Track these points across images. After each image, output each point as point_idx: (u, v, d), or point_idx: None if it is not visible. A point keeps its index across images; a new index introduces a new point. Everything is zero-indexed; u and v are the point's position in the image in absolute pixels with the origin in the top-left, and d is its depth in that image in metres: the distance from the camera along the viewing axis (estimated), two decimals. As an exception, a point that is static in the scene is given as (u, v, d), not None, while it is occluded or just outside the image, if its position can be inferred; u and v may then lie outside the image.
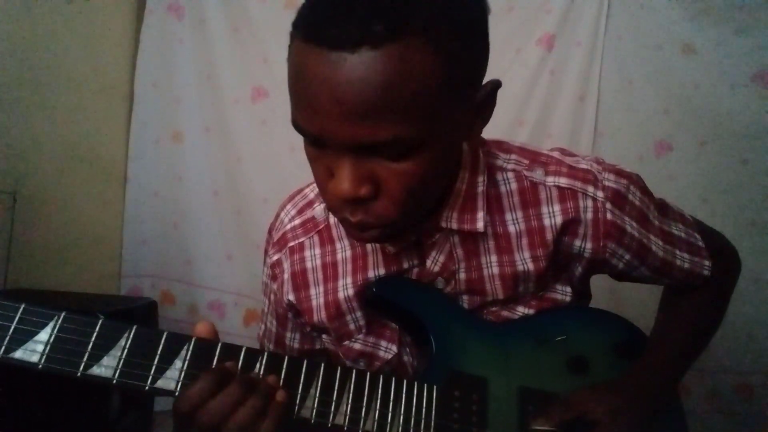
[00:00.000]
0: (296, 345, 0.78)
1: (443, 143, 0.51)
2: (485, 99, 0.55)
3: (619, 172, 0.66)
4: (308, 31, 0.47)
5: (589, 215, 0.63)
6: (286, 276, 0.73)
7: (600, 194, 0.63)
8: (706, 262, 0.71)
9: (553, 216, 0.64)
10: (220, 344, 0.55)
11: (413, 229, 0.64)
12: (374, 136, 0.46)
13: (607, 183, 0.64)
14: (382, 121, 0.46)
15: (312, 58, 0.46)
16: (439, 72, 0.46)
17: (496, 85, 0.56)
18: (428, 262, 0.67)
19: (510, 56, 1.79)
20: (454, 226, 0.64)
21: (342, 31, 0.44)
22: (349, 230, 0.57)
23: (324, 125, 0.47)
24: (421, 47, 0.45)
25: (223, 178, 2.00)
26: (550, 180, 0.64)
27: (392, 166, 0.50)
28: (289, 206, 0.76)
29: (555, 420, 0.62)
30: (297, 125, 0.50)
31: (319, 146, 0.51)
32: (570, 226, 0.64)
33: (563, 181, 0.64)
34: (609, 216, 0.63)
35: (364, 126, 0.46)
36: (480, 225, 0.64)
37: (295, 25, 0.48)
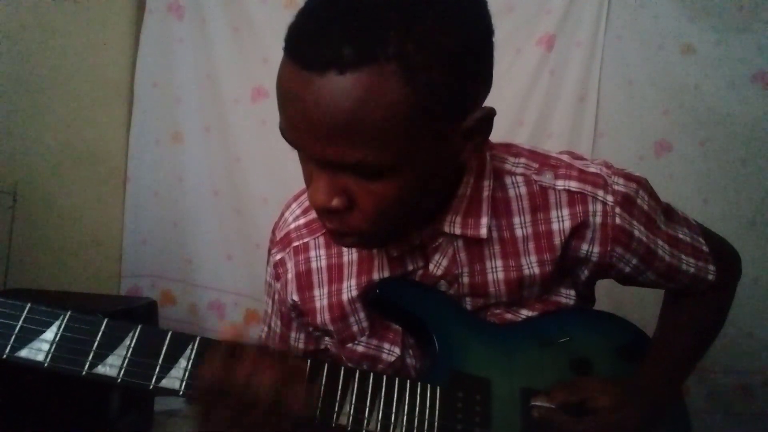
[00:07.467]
0: (301, 345, 0.78)
1: (420, 168, 0.50)
2: (476, 126, 0.52)
3: (628, 176, 0.65)
4: (288, 46, 0.47)
5: (598, 219, 0.63)
6: (290, 276, 0.73)
7: (610, 198, 0.63)
8: (711, 267, 0.71)
9: (561, 220, 0.63)
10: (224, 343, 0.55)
11: (414, 233, 0.64)
12: (341, 157, 0.47)
13: (616, 187, 0.63)
14: (348, 144, 0.46)
15: (288, 73, 0.47)
16: (410, 101, 0.45)
17: (490, 113, 0.52)
18: (431, 266, 0.66)
19: (510, 56, 1.79)
20: (458, 231, 0.63)
21: (314, 52, 0.44)
22: (329, 235, 0.58)
23: (297, 138, 0.48)
24: (391, 75, 0.44)
25: (223, 178, 2.00)
26: (560, 184, 0.64)
27: (366, 185, 0.50)
28: (294, 205, 0.76)
29: (557, 399, 0.63)
30: (281, 131, 0.51)
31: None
32: (578, 230, 0.63)
33: (573, 185, 0.63)
34: (618, 220, 0.63)
35: (330, 146, 0.46)
36: (483, 231, 0.63)
37: (285, 36, 0.49)
